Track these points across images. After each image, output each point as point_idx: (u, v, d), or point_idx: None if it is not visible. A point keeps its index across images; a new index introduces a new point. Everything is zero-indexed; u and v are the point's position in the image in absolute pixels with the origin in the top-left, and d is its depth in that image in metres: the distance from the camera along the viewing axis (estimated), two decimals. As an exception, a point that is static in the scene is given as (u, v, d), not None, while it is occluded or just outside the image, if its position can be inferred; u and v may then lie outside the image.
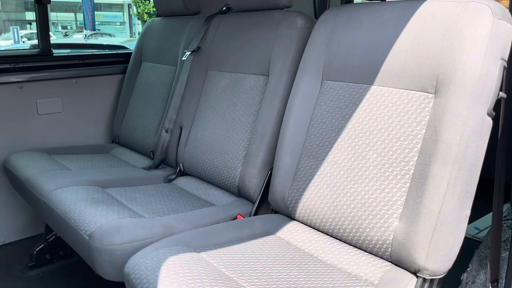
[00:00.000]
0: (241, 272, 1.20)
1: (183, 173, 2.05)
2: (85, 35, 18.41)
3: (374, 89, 1.38)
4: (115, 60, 2.67)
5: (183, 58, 2.10)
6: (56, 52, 2.49)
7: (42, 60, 2.41)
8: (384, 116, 1.34)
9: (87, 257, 1.40)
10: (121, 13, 30.49)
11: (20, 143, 2.31)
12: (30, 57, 2.43)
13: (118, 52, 2.90)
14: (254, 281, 1.15)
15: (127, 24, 30.44)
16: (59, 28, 29.44)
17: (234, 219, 1.61)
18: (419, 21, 1.30)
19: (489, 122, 1.20)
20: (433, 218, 1.16)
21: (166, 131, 2.12)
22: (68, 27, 30.20)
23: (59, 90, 2.44)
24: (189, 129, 2.05)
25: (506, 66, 1.22)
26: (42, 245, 2.15)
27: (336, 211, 1.39)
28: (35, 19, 2.38)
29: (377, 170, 1.31)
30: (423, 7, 1.31)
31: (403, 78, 1.31)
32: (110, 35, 21.52)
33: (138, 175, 2.00)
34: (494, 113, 1.21)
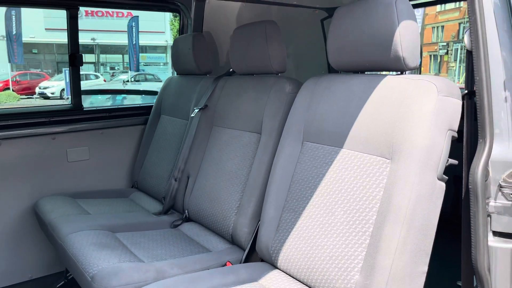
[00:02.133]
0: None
1: (188, 219, 2.24)
2: (129, 77, 19.56)
3: (343, 152, 1.54)
4: (138, 113, 2.97)
5: (192, 115, 2.34)
6: (86, 106, 2.81)
7: (74, 114, 2.74)
8: (350, 177, 1.49)
9: None
10: (164, 55, 32.12)
11: (50, 187, 2.59)
12: (63, 111, 2.76)
13: (140, 105, 3.21)
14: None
15: (170, 65, 31.99)
16: (108, 68, 31.39)
17: (224, 265, 1.77)
18: (380, 94, 1.46)
19: (441, 185, 1.32)
20: (386, 273, 1.28)
21: (175, 180, 2.34)
22: (116, 68, 32.14)
23: (87, 140, 2.74)
24: (195, 178, 2.26)
25: (455, 135, 1.36)
26: (63, 281, 2.38)
27: (309, 262, 1.52)
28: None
29: (343, 226, 1.45)
30: (384, 81, 1.47)
31: (367, 143, 1.47)
32: (153, 75, 22.72)
33: (147, 220, 2.21)
34: (446, 177, 1.34)
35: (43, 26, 27.98)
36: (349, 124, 1.53)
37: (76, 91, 2.73)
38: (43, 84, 21.36)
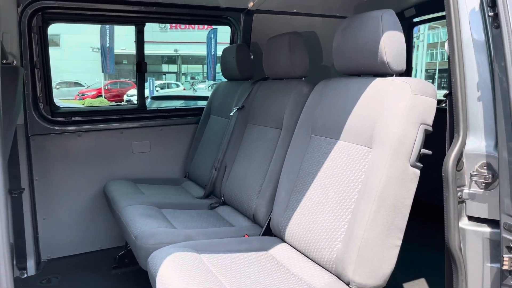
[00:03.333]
0: (225, 271, 1.68)
1: (223, 203, 2.61)
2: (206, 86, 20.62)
3: (339, 143, 1.81)
4: (192, 113, 3.42)
5: (230, 114, 2.72)
6: (152, 106, 3.31)
7: (139, 113, 3.25)
8: (342, 163, 1.75)
9: (134, 252, 2.02)
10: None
11: (117, 173, 3.12)
12: (131, 110, 3.30)
13: (195, 107, 3.66)
14: (231, 279, 1.62)
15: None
16: (189, 78, 33.37)
17: (244, 236, 2.10)
18: (369, 93, 1.71)
19: (414, 172, 1.54)
20: (358, 241, 1.53)
21: (215, 169, 2.72)
22: (196, 77, 34.04)
23: (149, 135, 3.23)
24: (230, 168, 2.62)
25: (429, 129, 1.56)
26: (123, 251, 2.86)
27: (306, 235, 1.80)
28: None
29: (334, 204, 1.71)
30: (373, 83, 1.72)
31: (356, 135, 1.72)
32: (227, 84, 23.84)
33: (189, 202, 2.62)
34: (420, 165, 1.56)
35: (133, 39, 30.65)
36: (344, 119, 1.79)
37: (141, 94, 3.25)
38: (130, 92, 23.28)
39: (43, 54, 2.86)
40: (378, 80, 1.70)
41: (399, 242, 1.56)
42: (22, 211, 2.76)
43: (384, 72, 1.69)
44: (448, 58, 1.61)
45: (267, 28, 3.33)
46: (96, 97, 24.34)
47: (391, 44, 1.64)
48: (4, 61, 2.54)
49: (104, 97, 24.67)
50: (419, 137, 1.54)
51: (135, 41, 3.13)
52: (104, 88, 26.50)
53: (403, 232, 1.57)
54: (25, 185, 2.76)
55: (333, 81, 1.98)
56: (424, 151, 1.56)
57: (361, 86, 1.77)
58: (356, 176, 1.65)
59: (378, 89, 1.68)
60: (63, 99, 23.59)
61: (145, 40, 3.20)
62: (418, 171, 1.56)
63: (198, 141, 3.23)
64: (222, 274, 1.63)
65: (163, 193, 2.82)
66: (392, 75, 1.72)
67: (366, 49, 1.71)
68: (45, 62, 2.89)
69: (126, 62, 32.79)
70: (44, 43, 2.86)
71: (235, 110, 2.71)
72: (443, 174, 1.56)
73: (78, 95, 25.45)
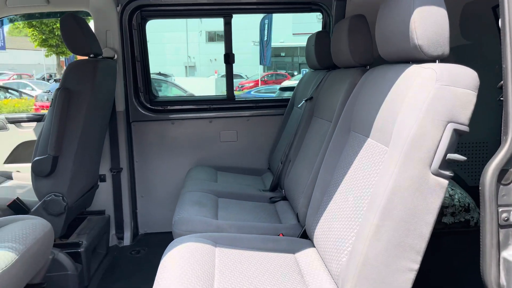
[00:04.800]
0: (228, 268, 1.62)
1: (284, 198, 2.51)
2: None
3: (368, 141, 1.55)
4: (279, 104, 3.36)
5: (298, 106, 2.58)
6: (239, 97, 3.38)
7: (228, 103, 3.35)
8: (364, 165, 1.50)
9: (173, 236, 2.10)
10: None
11: (203, 159, 3.28)
12: (220, 100, 3.42)
13: (282, 97, 3.59)
14: (227, 277, 1.55)
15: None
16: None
17: (278, 235, 1.99)
18: (395, 83, 1.42)
19: (436, 181, 1.23)
20: (359, 257, 1.29)
21: (281, 162, 2.63)
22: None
23: (236, 125, 3.31)
24: (293, 163, 2.50)
25: (462, 129, 1.22)
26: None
27: (325, 243, 1.61)
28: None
29: (349, 212, 1.49)
30: (402, 70, 1.42)
31: (380, 132, 1.45)
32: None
33: (252, 193, 2.60)
34: (447, 174, 1.23)
35: (291, 32, 31.56)
36: (374, 113, 1.53)
37: (230, 85, 3.33)
38: (285, 83, 24.14)
39: (142, 48, 3.17)
40: (410, 68, 1.40)
41: (415, 266, 1.27)
42: (120, 188, 3.14)
43: (418, 58, 1.38)
44: (499, 36, 1.23)
45: (363, 13, 3.04)
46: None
47: (422, 23, 1.32)
48: (105, 56, 2.90)
49: (261, 89, 26.10)
50: (446, 139, 1.22)
51: (224, 32, 3.22)
52: (261, 80, 28.05)
53: (420, 254, 1.27)
54: (123, 165, 3.13)
55: (376, 70, 1.70)
56: (454, 156, 1.23)
57: (392, 75, 1.48)
58: (371, 181, 1.40)
59: (405, 79, 1.38)
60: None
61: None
62: (444, 181, 1.23)
63: (281, 132, 3.17)
64: (222, 270, 1.58)
65: (235, 183, 2.87)
66: (434, 61, 1.39)
67: (398, 30, 1.42)
68: (144, 55, 3.20)
69: (284, 55, 34.07)
70: (143, 38, 3.17)
71: (303, 101, 2.56)
72: (480, 188, 1.21)
73: (238, 87, 27.52)
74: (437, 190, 1.24)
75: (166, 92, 12.62)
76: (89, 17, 3.08)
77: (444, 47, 1.34)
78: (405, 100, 1.31)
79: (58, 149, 2.25)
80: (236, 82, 28.53)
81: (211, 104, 3.34)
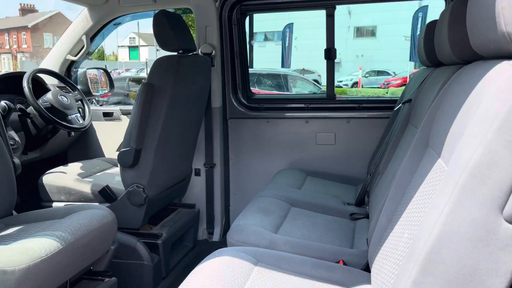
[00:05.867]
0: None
1: (367, 216, 2.16)
2: None
3: (438, 161, 1.17)
4: (386, 106, 2.94)
5: (394, 109, 2.18)
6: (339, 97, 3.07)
7: (327, 102, 3.07)
8: (426, 193, 1.13)
9: None
10: None
11: (298, 162, 3.08)
12: (318, 100, 3.15)
13: (390, 98, 3.12)
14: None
15: None
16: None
17: (337, 262, 1.69)
18: (476, 86, 1.02)
19: (508, 229, 0.84)
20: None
21: (369, 174, 2.27)
22: None
23: (335, 127, 3.02)
24: (381, 175, 2.13)
25: None
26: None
27: (376, 283, 1.28)
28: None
29: (399, 252, 1.14)
30: (493, 69, 1.00)
31: (448, 152, 1.07)
32: None
33: (332, 206, 2.30)
34: None
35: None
36: (448, 127, 1.14)
37: (331, 82, 3.04)
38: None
39: (242, 44, 3.10)
40: (496, 66, 0.98)
41: None
42: (213, 183, 3.15)
43: (506, 49, 0.96)
44: None
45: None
46: (401, 86, 24.31)
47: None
48: (204, 52, 2.92)
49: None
50: None
51: (326, 26, 2.94)
52: (409, 77, 26.17)
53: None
54: (216, 161, 3.12)
55: (467, 68, 1.28)
56: None
57: (477, 75, 1.07)
58: (419, 217, 1.03)
59: (485, 81, 0.97)
60: (369, 87, 24.85)
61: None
62: None
63: (384, 136, 2.76)
64: (249, 295, 1.39)
65: (320, 191, 2.59)
66: None
67: (486, 14, 1.02)
68: (243, 51, 3.13)
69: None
70: (242, 34, 3.10)
71: (400, 104, 2.16)
72: None
73: (384, 84, 26.10)
74: (506, 240, 0.84)
75: (301, 89, 12.63)
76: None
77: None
78: (478, 109, 0.93)
79: (140, 143, 2.32)
80: (382, 79, 27.14)
81: (309, 103, 3.11)
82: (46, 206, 2.61)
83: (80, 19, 3.19)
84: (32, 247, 1.54)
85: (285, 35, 17.08)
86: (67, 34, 3.26)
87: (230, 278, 1.43)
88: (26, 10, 53.92)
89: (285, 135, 3.11)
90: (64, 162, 3.15)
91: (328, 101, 3.09)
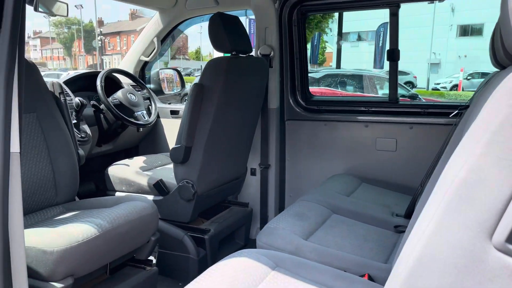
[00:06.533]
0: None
1: (413, 230, 2.00)
2: None
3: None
4: (453, 111, 2.68)
5: (450, 115, 1.99)
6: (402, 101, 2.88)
7: (389, 106, 2.90)
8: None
9: None
10: None
11: (355, 167, 2.95)
12: (380, 103, 2.97)
13: (457, 103, 2.82)
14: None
15: None
16: None
17: (362, 275, 1.60)
18: (491, 93, 0.89)
19: (504, 262, 0.73)
20: None
21: (420, 185, 2.10)
22: None
23: (396, 132, 2.84)
24: (431, 187, 1.95)
25: None
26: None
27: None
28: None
29: None
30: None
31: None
32: None
33: (377, 216, 2.17)
34: None
35: None
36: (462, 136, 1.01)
37: (393, 84, 2.86)
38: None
39: (301, 45, 3.06)
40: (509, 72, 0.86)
41: None
42: (267, 183, 3.16)
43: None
44: None
45: None
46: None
47: None
48: (263, 53, 2.95)
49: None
50: None
51: (389, 25, 2.77)
52: None
53: None
54: (271, 162, 3.13)
55: (499, 73, 1.13)
56: None
57: (493, 81, 0.94)
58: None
59: (491, 90, 0.85)
60: (471, 90, 22.94)
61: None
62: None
63: (444, 145, 2.53)
64: (255, 299, 1.37)
65: (371, 200, 2.46)
66: None
67: None
68: (303, 52, 3.08)
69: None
70: (302, 34, 3.06)
71: (457, 110, 1.96)
72: None
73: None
74: (503, 276, 0.73)
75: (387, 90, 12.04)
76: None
77: None
78: (474, 120, 0.82)
79: (189, 140, 2.42)
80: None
81: (370, 106, 2.96)
82: (109, 194, 2.84)
83: (152, 22, 3.41)
84: (71, 231, 1.69)
85: (379, 34, 16.52)
86: (141, 37, 3.50)
87: (242, 280, 1.43)
88: (135, 15, 59.01)
89: (343, 138, 3.00)
90: (136, 155, 3.40)
91: (390, 104, 2.91)
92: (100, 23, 60.73)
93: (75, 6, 51.38)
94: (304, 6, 2.95)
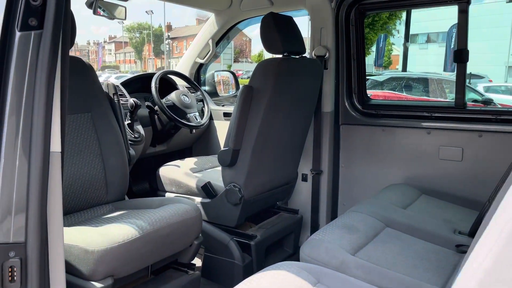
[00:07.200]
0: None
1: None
2: None
3: None
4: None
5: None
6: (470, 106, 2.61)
7: (455, 112, 2.65)
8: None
9: None
10: None
11: (415, 177, 2.73)
12: (445, 108, 2.72)
13: None
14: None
15: None
16: None
17: (413, 300, 1.43)
18: None
19: None
20: None
21: (488, 201, 1.87)
22: None
23: (463, 141, 2.59)
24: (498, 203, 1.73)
25: None
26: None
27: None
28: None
29: None
30: None
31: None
32: None
33: (436, 232, 1.97)
34: None
35: None
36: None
37: (461, 88, 2.61)
38: None
39: (359, 46, 2.90)
40: None
41: None
42: (319, 190, 3.03)
43: None
44: None
45: None
46: None
47: None
48: (317, 55, 2.83)
49: None
50: None
51: (458, 23, 2.53)
52: None
53: None
54: (324, 168, 2.99)
55: None
56: None
57: None
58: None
59: None
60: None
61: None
62: None
63: None
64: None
65: (430, 214, 2.24)
66: None
67: None
68: (361, 53, 2.92)
69: None
70: (360, 35, 2.90)
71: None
72: None
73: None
74: None
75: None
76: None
77: None
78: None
79: (237, 143, 2.36)
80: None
81: (433, 111, 2.73)
82: (160, 195, 2.87)
83: (207, 25, 3.41)
84: (113, 232, 1.70)
85: (451, 35, 15.67)
86: (197, 39, 3.52)
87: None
88: (201, 20, 60.90)
89: (403, 146, 2.79)
90: (189, 156, 3.42)
91: (456, 110, 2.66)
92: (169, 27, 63.32)
93: (146, 11, 53.99)
94: (362, 4, 2.79)
